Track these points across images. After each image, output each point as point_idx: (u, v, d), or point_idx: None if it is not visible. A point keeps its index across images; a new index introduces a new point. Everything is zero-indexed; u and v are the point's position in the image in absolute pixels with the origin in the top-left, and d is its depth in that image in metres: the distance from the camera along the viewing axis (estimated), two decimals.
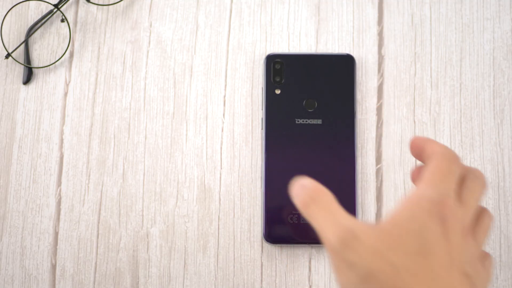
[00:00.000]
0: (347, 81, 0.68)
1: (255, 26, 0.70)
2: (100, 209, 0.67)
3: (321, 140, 0.67)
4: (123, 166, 0.68)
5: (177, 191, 0.67)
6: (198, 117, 0.69)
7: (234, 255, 0.66)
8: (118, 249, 0.66)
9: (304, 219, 0.65)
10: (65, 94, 0.69)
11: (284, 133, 0.67)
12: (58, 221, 0.67)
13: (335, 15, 0.70)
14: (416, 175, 0.49)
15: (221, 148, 0.68)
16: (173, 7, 0.71)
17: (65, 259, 0.66)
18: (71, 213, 0.67)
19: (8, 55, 0.69)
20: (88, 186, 0.67)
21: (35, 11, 0.71)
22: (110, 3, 0.71)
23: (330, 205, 0.47)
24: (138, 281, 0.65)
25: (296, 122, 0.67)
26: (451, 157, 0.46)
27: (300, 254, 0.66)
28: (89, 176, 0.67)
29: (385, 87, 0.69)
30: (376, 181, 0.67)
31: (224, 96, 0.69)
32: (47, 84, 0.69)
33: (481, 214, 0.47)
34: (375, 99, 0.69)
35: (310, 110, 0.67)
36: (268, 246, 0.66)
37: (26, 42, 0.70)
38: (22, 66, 0.69)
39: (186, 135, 0.68)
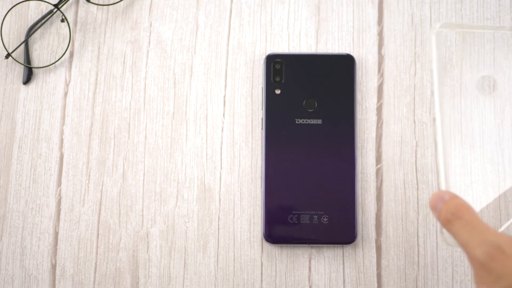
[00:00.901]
0: (347, 81, 0.68)
1: (255, 26, 0.70)
2: (100, 209, 0.67)
3: (321, 140, 0.67)
4: (123, 166, 0.68)
5: (177, 191, 0.67)
6: (198, 117, 0.69)
7: (234, 255, 0.66)
8: (118, 249, 0.66)
9: (304, 219, 0.65)
10: (65, 94, 0.69)
11: (284, 133, 0.67)
12: (58, 221, 0.67)
13: (335, 15, 0.70)
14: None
15: (221, 148, 0.68)
16: (173, 7, 0.71)
17: (65, 259, 0.66)
18: (71, 213, 0.67)
19: (8, 55, 0.69)
20: (88, 186, 0.67)
21: (35, 11, 0.71)
22: (110, 3, 0.71)
23: (474, 222, 0.48)
24: (138, 281, 0.66)
25: (296, 122, 0.67)
26: None
27: (300, 254, 0.66)
28: (89, 176, 0.68)
29: (385, 87, 0.69)
30: (376, 181, 0.67)
31: (224, 96, 0.69)
32: (47, 84, 0.69)
33: None
34: (375, 99, 0.69)
35: (310, 110, 0.67)
36: (268, 246, 0.66)
37: (26, 42, 0.70)
38: (22, 66, 0.69)
39: (186, 135, 0.68)
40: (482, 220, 0.49)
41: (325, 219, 0.65)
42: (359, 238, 0.66)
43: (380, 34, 0.70)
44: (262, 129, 0.68)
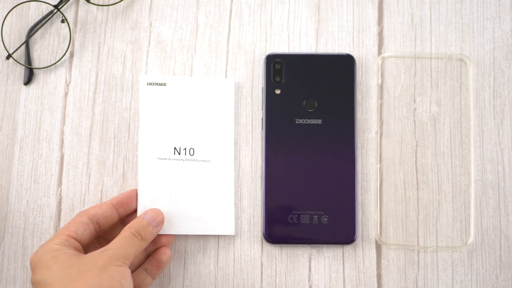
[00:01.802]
0: (347, 81, 0.68)
1: (255, 26, 0.70)
2: None
3: (321, 140, 0.67)
4: (123, 166, 0.68)
5: None
6: None
7: (234, 255, 0.66)
8: None
9: (304, 219, 0.65)
10: (66, 94, 0.69)
11: (284, 133, 0.67)
12: (59, 221, 0.67)
13: (335, 15, 0.70)
14: None
15: None
16: (173, 7, 0.71)
17: None
18: (72, 213, 0.67)
19: (9, 56, 0.69)
20: (88, 186, 0.68)
21: (36, 11, 0.71)
22: (110, 3, 0.71)
23: None
24: None
25: (296, 122, 0.67)
26: None
27: (300, 254, 0.66)
28: (89, 176, 0.68)
29: (385, 87, 0.69)
30: (376, 181, 0.67)
31: None
32: (48, 84, 0.70)
33: None
34: (375, 99, 0.69)
35: (310, 110, 0.67)
36: (268, 246, 0.66)
37: (26, 42, 0.70)
38: (23, 67, 0.70)
39: None
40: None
41: (325, 219, 0.65)
42: (359, 238, 0.66)
43: (380, 34, 0.70)
44: (262, 129, 0.68)
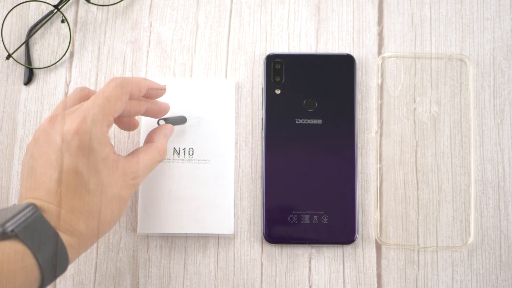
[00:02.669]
0: (347, 81, 0.68)
1: (255, 26, 0.70)
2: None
3: (321, 140, 0.67)
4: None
5: None
6: None
7: (234, 255, 0.66)
8: (118, 249, 0.66)
9: (304, 219, 0.65)
10: (66, 94, 0.69)
11: (284, 133, 0.67)
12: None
13: (335, 15, 0.70)
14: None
15: None
16: (173, 7, 0.71)
17: None
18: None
19: (9, 56, 0.69)
20: None
21: (36, 11, 0.71)
22: (110, 3, 0.71)
23: None
24: (138, 281, 0.66)
25: (296, 122, 0.67)
26: None
27: (300, 254, 0.66)
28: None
29: (385, 87, 0.69)
30: (376, 181, 0.67)
31: None
32: (48, 84, 0.70)
33: None
34: (375, 99, 0.69)
35: (310, 110, 0.67)
36: (268, 246, 0.66)
37: (26, 42, 0.70)
38: (23, 67, 0.70)
39: None
40: None
41: (325, 219, 0.65)
42: (359, 238, 0.66)
43: (380, 34, 0.70)
44: (262, 129, 0.68)
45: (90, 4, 0.71)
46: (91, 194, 0.55)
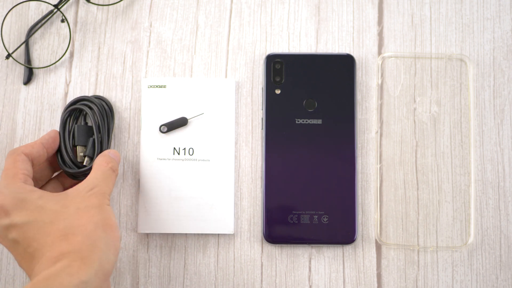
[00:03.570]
0: (347, 81, 0.68)
1: (255, 26, 0.70)
2: None
3: (321, 140, 0.67)
4: (123, 166, 0.68)
5: None
6: None
7: (234, 255, 0.66)
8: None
9: (304, 219, 0.65)
10: (66, 94, 0.69)
11: (284, 133, 0.67)
12: None
13: (335, 15, 0.70)
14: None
15: None
16: (173, 7, 0.71)
17: None
18: None
19: (9, 56, 0.69)
20: None
21: (36, 11, 0.71)
22: (110, 3, 0.71)
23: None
24: (138, 281, 0.66)
25: (296, 122, 0.67)
26: None
27: (300, 254, 0.66)
28: None
29: (385, 87, 0.69)
30: (376, 181, 0.67)
31: None
32: (48, 84, 0.70)
33: None
34: (375, 99, 0.69)
35: (310, 110, 0.67)
36: (268, 246, 0.66)
37: (26, 42, 0.70)
38: (23, 67, 0.70)
39: None
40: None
41: (325, 219, 0.65)
42: (359, 238, 0.66)
43: (380, 34, 0.70)
44: (262, 129, 0.68)
45: (90, 4, 0.71)
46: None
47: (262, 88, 0.69)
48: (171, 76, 0.69)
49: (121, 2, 0.71)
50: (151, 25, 0.70)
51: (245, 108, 0.69)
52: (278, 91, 0.68)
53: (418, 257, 0.66)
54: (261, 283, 0.66)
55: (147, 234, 0.66)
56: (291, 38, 0.70)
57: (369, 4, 0.71)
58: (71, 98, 0.69)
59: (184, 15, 0.71)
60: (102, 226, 0.54)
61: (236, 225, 0.66)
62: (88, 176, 0.59)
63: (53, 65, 0.70)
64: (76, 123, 0.65)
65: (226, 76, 0.69)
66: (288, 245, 0.66)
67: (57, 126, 0.68)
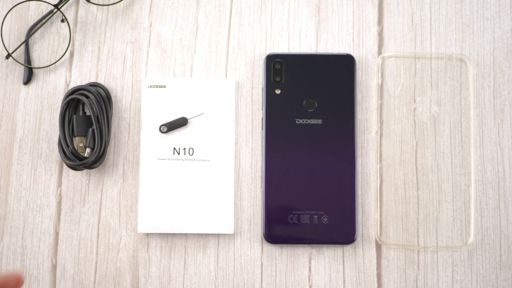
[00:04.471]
0: (347, 81, 0.68)
1: (255, 26, 0.70)
2: (100, 209, 0.67)
3: (321, 140, 0.67)
4: (123, 166, 0.68)
5: None
6: None
7: (234, 255, 0.66)
8: (118, 249, 0.66)
9: (304, 219, 0.65)
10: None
11: (284, 133, 0.67)
12: (59, 221, 0.67)
13: (335, 15, 0.70)
14: None
15: None
16: (173, 7, 0.71)
17: (65, 259, 0.66)
18: (72, 213, 0.67)
19: (9, 56, 0.69)
20: (88, 186, 0.67)
21: (35, 11, 0.71)
22: (110, 3, 0.71)
23: None
24: (138, 281, 0.66)
25: (296, 122, 0.67)
26: None
27: (300, 254, 0.66)
28: (90, 176, 0.68)
29: (385, 87, 0.69)
30: (376, 181, 0.67)
31: None
32: (48, 84, 0.70)
33: None
34: (375, 99, 0.69)
35: (310, 110, 0.67)
36: (268, 246, 0.66)
37: (26, 42, 0.70)
38: (23, 66, 0.70)
39: None
40: None
41: (325, 219, 0.65)
42: (359, 238, 0.66)
43: (380, 34, 0.70)
44: (262, 129, 0.68)
45: (90, 4, 0.71)
46: None
47: (262, 88, 0.69)
48: (171, 76, 0.69)
49: (121, 2, 0.71)
50: (151, 25, 0.70)
51: (245, 108, 0.69)
52: (278, 91, 0.68)
53: (418, 257, 0.66)
54: (261, 283, 0.66)
55: (147, 234, 0.66)
56: (291, 38, 0.70)
57: (369, 4, 0.71)
58: None
59: (184, 15, 0.71)
60: None
61: (236, 225, 0.66)
62: None
63: (53, 65, 0.70)
64: (75, 114, 0.65)
65: (226, 76, 0.69)
66: (288, 245, 0.66)
67: (57, 126, 0.68)
